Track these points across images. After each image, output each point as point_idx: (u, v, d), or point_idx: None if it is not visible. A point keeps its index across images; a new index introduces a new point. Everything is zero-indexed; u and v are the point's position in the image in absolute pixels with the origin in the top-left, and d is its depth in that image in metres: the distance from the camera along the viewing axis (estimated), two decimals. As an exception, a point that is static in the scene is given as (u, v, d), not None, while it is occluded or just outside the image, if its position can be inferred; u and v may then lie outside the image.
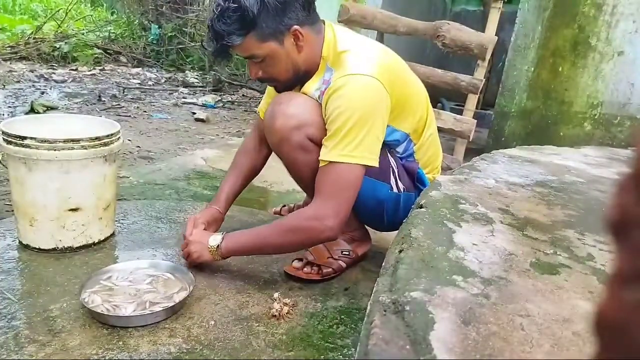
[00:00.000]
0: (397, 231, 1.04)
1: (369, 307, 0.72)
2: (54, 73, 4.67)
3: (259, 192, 2.13)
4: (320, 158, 1.21)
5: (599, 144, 2.57)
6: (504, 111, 3.05)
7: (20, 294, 1.19)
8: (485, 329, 0.64)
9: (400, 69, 1.36)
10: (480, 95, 3.85)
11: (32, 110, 3.20)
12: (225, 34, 1.17)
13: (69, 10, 6.24)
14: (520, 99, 2.94)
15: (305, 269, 1.39)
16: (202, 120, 3.53)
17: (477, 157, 1.63)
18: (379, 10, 3.02)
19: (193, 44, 5.64)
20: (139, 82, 4.81)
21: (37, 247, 1.40)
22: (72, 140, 1.34)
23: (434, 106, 3.19)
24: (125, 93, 4.20)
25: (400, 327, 0.62)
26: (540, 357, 0.60)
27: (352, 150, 1.17)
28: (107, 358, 0.99)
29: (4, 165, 1.42)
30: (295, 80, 1.30)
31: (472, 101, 2.76)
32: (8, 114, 3.11)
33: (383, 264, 0.86)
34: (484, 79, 2.77)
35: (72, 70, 4.98)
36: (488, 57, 2.64)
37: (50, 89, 4.05)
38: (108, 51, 5.77)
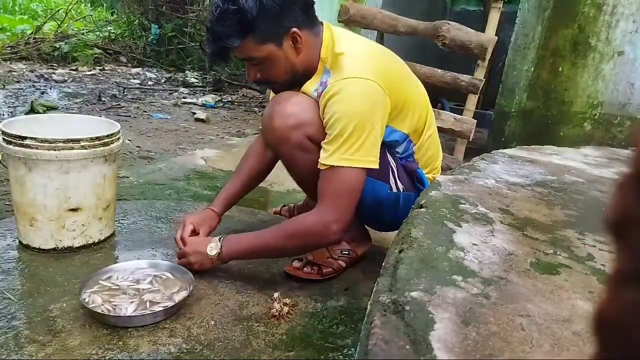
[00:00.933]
0: (397, 231, 1.04)
1: (369, 307, 0.72)
2: (54, 73, 4.67)
3: (259, 192, 2.13)
4: (320, 162, 1.21)
5: (599, 144, 2.57)
6: (504, 111, 3.05)
7: (20, 294, 1.19)
8: (485, 329, 0.64)
9: (399, 69, 1.36)
10: (481, 95, 3.85)
11: (32, 110, 3.20)
12: (224, 36, 1.16)
13: (69, 10, 6.24)
14: (521, 99, 2.94)
15: (305, 268, 1.39)
16: (202, 120, 3.53)
17: (477, 157, 1.63)
18: (379, 10, 3.02)
19: (193, 44, 5.63)
20: (139, 82, 4.81)
21: (37, 247, 1.40)
22: (72, 140, 1.34)
23: (434, 106, 3.19)
24: (125, 93, 4.20)
25: (400, 327, 0.62)
26: (540, 357, 0.60)
27: (353, 153, 1.17)
28: (107, 358, 0.99)
29: (4, 165, 1.42)
30: (293, 83, 1.30)
31: (472, 101, 2.76)
32: (8, 114, 3.11)
33: (383, 264, 0.86)
34: (484, 79, 2.76)
35: (72, 70, 4.97)
36: (488, 57, 2.64)
37: (50, 89, 4.05)
38: (108, 51, 5.77)
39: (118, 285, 1.22)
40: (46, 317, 1.11)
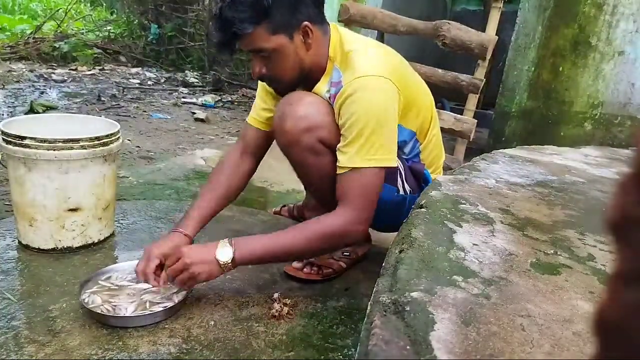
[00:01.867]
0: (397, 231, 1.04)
1: (369, 308, 0.72)
2: (53, 73, 4.67)
3: (259, 192, 2.13)
4: (341, 165, 1.18)
5: (600, 144, 2.57)
6: (504, 111, 3.05)
7: (20, 294, 1.19)
8: (485, 329, 0.64)
9: (406, 68, 1.36)
10: (481, 95, 3.85)
11: (32, 110, 3.20)
12: (237, 21, 1.11)
13: (69, 10, 6.24)
14: (521, 98, 2.93)
15: (305, 269, 1.39)
16: (202, 120, 3.53)
17: (478, 157, 1.63)
18: (379, 10, 3.02)
19: (193, 44, 5.63)
20: (139, 81, 4.81)
21: (37, 247, 1.39)
22: (72, 140, 1.34)
23: (435, 106, 3.19)
24: (124, 93, 4.19)
25: (400, 328, 0.62)
26: (541, 358, 0.60)
27: (374, 153, 1.16)
28: (107, 358, 0.99)
29: (3, 165, 1.42)
30: (298, 82, 1.26)
31: (472, 101, 2.76)
32: (7, 114, 3.11)
33: (383, 264, 0.86)
34: (484, 79, 2.76)
35: (72, 70, 4.97)
36: (488, 57, 2.64)
37: (50, 88, 4.05)
38: (108, 51, 5.77)
39: (118, 286, 1.22)
40: (46, 317, 1.11)
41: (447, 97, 3.97)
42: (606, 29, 2.61)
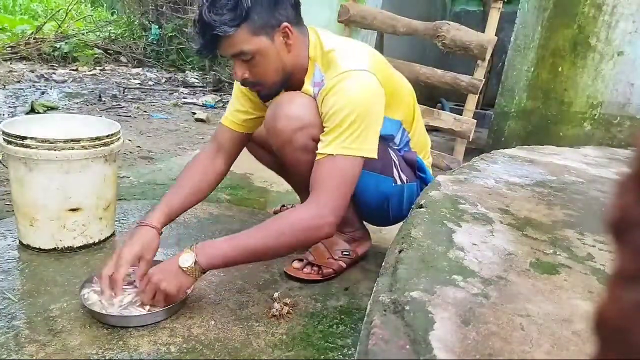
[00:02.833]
0: (397, 229, 1.04)
1: (369, 307, 0.72)
2: (54, 73, 4.67)
3: (259, 192, 2.13)
4: (318, 152, 1.18)
5: (599, 144, 2.57)
6: (503, 111, 3.05)
7: (20, 294, 1.19)
8: (485, 328, 0.64)
9: (385, 62, 1.37)
10: (480, 96, 3.85)
11: (33, 110, 3.20)
12: (218, 24, 1.11)
13: (69, 11, 6.24)
14: (520, 99, 2.94)
15: (305, 269, 1.39)
16: (202, 120, 3.53)
17: (477, 157, 1.63)
18: (379, 11, 3.02)
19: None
20: (139, 82, 4.81)
21: (38, 247, 1.40)
22: (73, 140, 1.34)
23: (434, 106, 3.19)
24: (125, 93, 4.20)
25: (400, 327, 0.62)
26: (540, 357, 0.60)
27: (352, 142, 1.16)
28: (107, 358, 0.99)
29: (4, 165, 1.42)
30: (281, 85, 1.26)
31: (472, 101, 2.77)
32: (8, 114, 3.11)
33: (383, 264, 0.86)
34: (484, 79, 2.77)
35: (73, 70, 4.97)
36: (488, 57, 2.64)
37: (51, 89, 4.05)
38: (108, 51, 5.77)
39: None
40: (46, 317, 1.11)
41: (446, 97, 3.98)
42: (605, 29, 2.61)
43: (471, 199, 1.16)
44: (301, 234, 1.15)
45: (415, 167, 1.44)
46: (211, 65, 5.23)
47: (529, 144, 2.10)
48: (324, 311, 1.25)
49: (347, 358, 1.08)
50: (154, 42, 5.91)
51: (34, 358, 0.97)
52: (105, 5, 7.74)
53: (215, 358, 1.03)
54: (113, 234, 1.55)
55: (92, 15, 6.84)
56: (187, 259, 1.10)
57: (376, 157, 1.22)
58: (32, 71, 4.63)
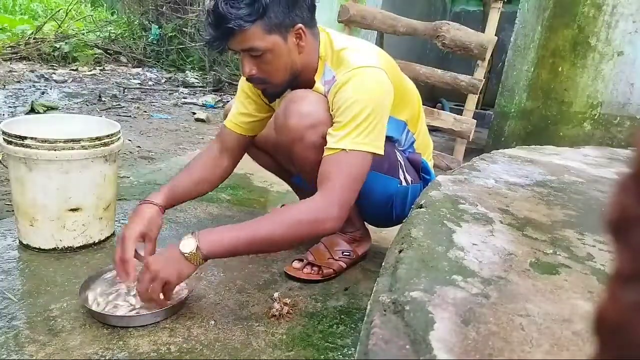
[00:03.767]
0: (397, 230, 1.04)
1: (368, 307, 0.72)
2: (54, 73, 4.67)
3: (259, 192, 2.13)
4: (329, 147, 1.16)
5: (599, 144, 2.57)
6: (503, 111, 3.05)
7: (20, 294, 1.19)
8: (485, 328, 0.64)
9: (393, 62, 1.38)
10: (480, 96, 3.85)
11: (33, 110, 3.20)
12: (233, 17, 1.09)
13: (69, 11, 6.24)
14: (520, 99, 2.94)
15: (305, 269, 1.39)
16: (202, 120, 3.53)
17: (477, 157, 1.63)
18: (379, 11, 3.02)
19: (193, 44, 5.63)
20: (139, 82, 4.81)
21: (38, 247, 1.40)
22: (73, 141, 1.34)
23: (434, 106, 3.19)
24: (125, 93, 4.20)
25: (400, 327, 0.62)
26: (540, 357, 0.60)
27: (364, 138, 1.15)
28: (107, 358, 0.99)
29: (4, 165, 1.42)
30: (288, 84, 1.26)
31: (472, 101, 2.77)
32: (8, 114, 3.11)
33: (383, 264, 0.86)
34: (484, 79, 2.77)
35: (73, 70, 4.98)
36: (488, 57, 2.65)
37: (51, 89, 4.05)
38: (108, 51, 5.77)
39: (118, 285, 1.22)
40: (46, 317, 1.11)
41: (446, 97, 3.98)
42: (605, 29, 2.61)
43: (471, 199, 1.16)
44: (306, 227, 1.12)
45: (419, 169, 1.44)
46: (211, 65, 5.23)
47: (529, 144, 2.10)
48: (324, 311, 1.25)
49: (347, 358, 1.08)
50: (154, 42, 5.91)
51: (34, 358, 0.97)
52: (105, 5, 7.74)
53: (215, 358, 1.03)
54: (113, 234, 1.55)
55: (92, 15, 6.84)
56: (188, 244, 1.06)
57: (383, 154, 1.21)
58: (32, 71, 4.64)
